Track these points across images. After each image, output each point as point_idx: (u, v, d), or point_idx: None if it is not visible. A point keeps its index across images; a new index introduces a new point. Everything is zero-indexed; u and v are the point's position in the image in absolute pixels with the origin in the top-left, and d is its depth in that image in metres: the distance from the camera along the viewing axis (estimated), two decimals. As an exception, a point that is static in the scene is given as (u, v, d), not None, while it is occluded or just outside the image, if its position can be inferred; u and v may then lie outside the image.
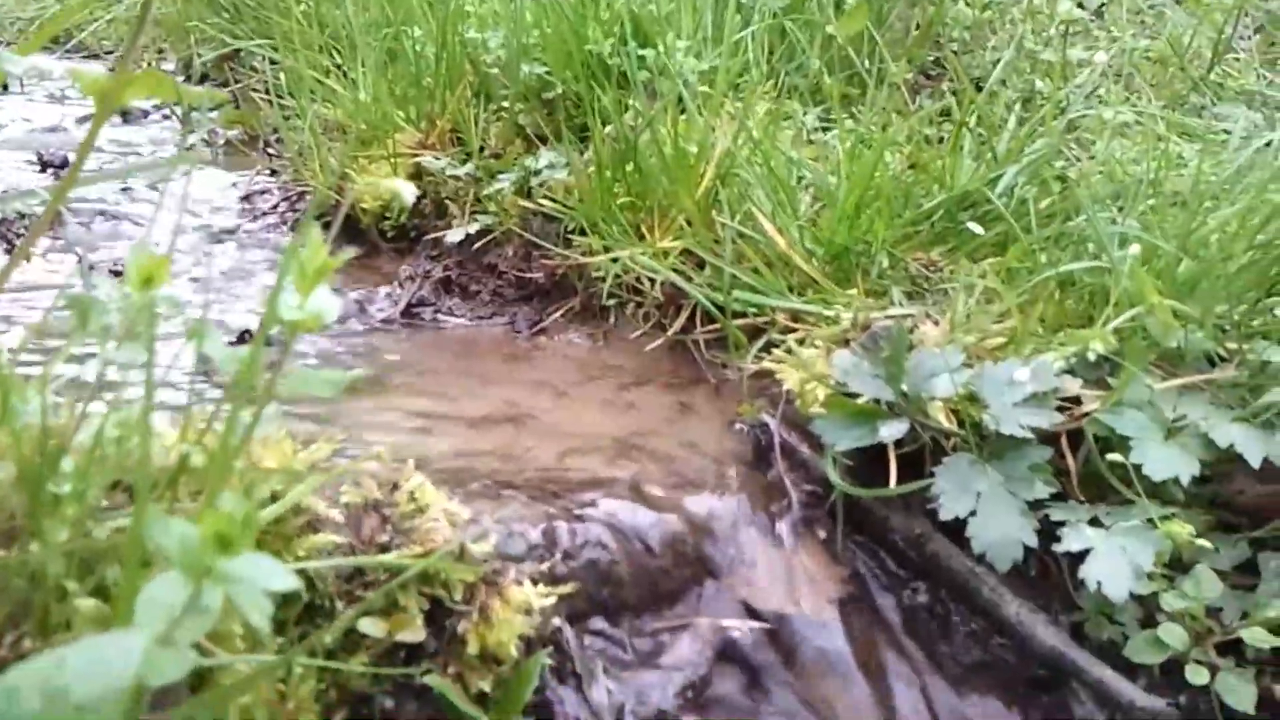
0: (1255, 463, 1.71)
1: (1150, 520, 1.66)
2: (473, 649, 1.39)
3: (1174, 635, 1.69)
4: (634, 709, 1.53)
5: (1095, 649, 1.69)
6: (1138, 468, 1.71)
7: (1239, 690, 1.65)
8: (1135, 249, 1.71)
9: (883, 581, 1.78)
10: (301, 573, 1.32)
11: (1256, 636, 1.69)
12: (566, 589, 1.50)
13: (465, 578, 1.41)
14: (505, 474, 1.75)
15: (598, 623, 1.63)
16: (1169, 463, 1.70)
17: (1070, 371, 1.90)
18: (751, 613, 1.68)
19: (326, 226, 2.87)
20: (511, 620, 1.44)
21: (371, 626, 1.34)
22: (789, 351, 1.96)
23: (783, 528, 1.80)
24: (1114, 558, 1.60)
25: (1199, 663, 1.68)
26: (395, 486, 1.45)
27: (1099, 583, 1.59)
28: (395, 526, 1.40)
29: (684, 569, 1.71)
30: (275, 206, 3.33)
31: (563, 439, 1.94)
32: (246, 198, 3.44)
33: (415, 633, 1.35)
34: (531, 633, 1.48)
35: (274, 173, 3.49)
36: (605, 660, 1.59)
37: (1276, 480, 1.95)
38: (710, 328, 2.24)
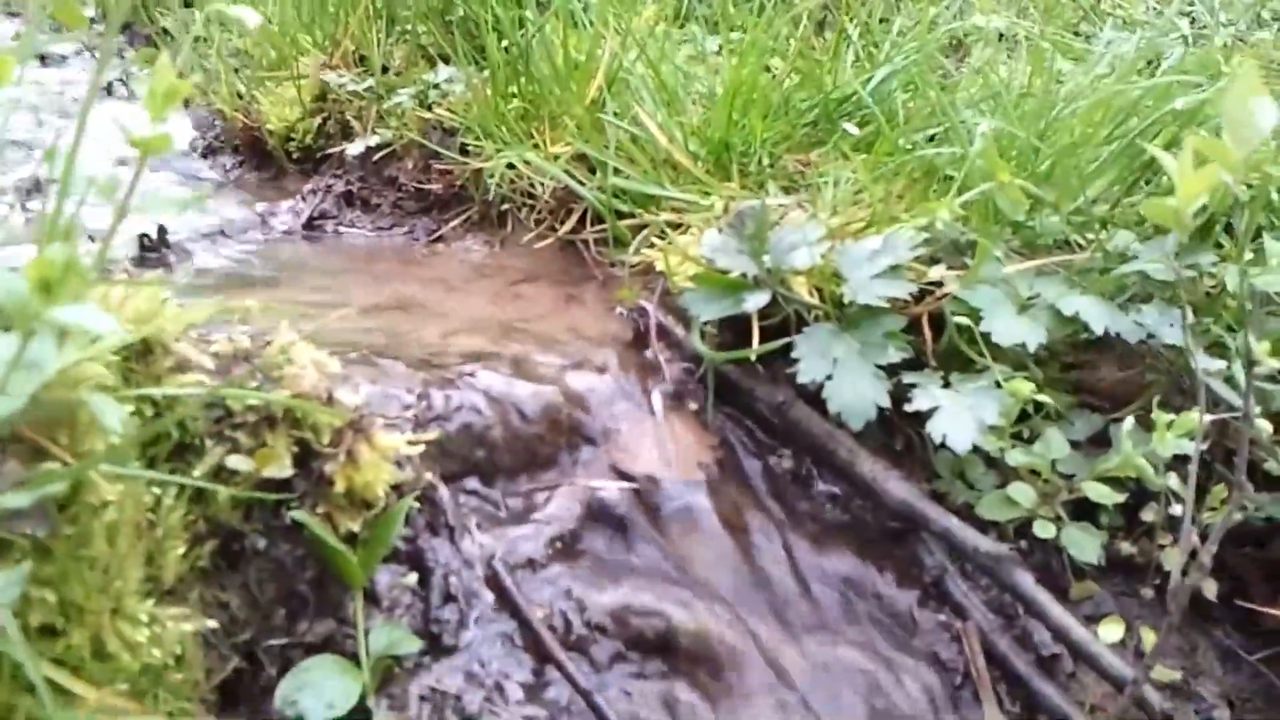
0: (1098, 330, 1.81)
1: (997, 383, 1.75)
2: (340, 489, 1.46)
3: (1023, 494, 1.79)
4: (504, 557, 1.60)
5: (950, 512, 1.79)
6: (986, 336, 1.80)
7: (1083, 543, 1.76)
8: (986, 126, 1.80)
9: (749, 448, 1.87)
10: (171, 412, 1.39)
11: (1099, 492, 1.79)
12: (433, 435, 1.58)
13: (333, 422, 1.47)
14: (386, 348, 1.81)
15: (472, 483, 1.70)
16: (1016, 330, 1.79)
17: (935, 259, 2.00)
18: (622, 476, 1.76)
19: (236, 151, 2.92)
20: (379, 465, 1.51)
21: (240, 463, 1.40)
22: (668, 241, 2.04)
23: (656, 401, 1.88)
24: (959, 413, 1.70)
25: (1046, 519, 1.78)
26: (266, 341, 1.51)
27: (944, 435, 1.68)
28: (265, 374, 1.46)
29: (558, 437, 1.79)
30: (188, 138, 3.36)
31: (448, 322, 2.00)
32: (157, 128, 3.45)
33: (281, 468, 1.42)
34: (401, 481, 1.55)
35: (185, 104, 3.51)
36: (478, 516, 1.66)
37: (1133, 365, 2.06)
38: (599, 228, 2.32)
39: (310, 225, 2.62)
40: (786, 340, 1.78)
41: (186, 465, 1.39)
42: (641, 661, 1.56)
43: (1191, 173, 1.30)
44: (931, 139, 2.22)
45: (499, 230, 2.51)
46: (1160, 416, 1.68)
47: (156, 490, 1.35)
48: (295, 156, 2.96)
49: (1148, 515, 1.85)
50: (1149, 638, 1.63)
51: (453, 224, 2.54)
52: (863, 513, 1.82)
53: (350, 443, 1.49)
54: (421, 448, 1.57)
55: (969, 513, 1.82)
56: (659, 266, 2.02)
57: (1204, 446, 1.67)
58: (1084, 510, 1.87)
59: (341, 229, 2.63)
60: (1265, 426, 1.70)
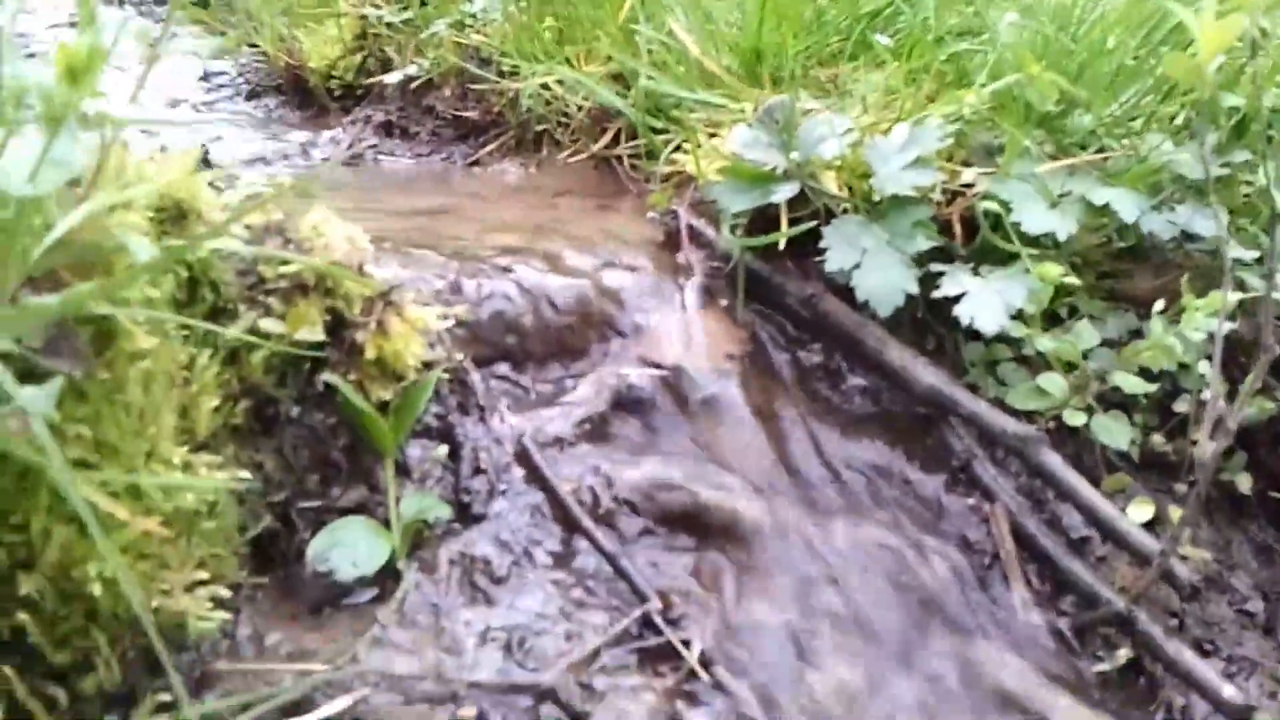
0: (1129, 218, 1.80)
1: (1026, 270, 1.75)
2: (370, 356, 1.49)
3: (1054, 384, 1.79)
4: (533, 435, 1.62)
5: (981, 404, 1.79)
6: (1017, 226, 1.80)
7: (1115, 430, 1.75)
8: (1012, 16, 1.80)
9: (778, 342, 1.88)
10: (206, 276, 1.42)
11: (1131, 383, 1.78)
12: (461, 310, 1.60)
13: (364, 292, 1.50)
14: (421, 241, 1.84)
15: (503, 369, 1.72)
16: (1047, 221, 1.79)
17: (968, 164, 2.00)
18: (652, 366, 1.77)
19: (279, 91, 2.96)
20: (409, 336, 1.54)
21: (272, 325, 1.43)
22: (699, 146, 2.05)
23: (686, 297, 1.90)
24: (987, 297, 1.70)
25: (1077, 409, 1.77)
26: (298, 215, 1.54)
27: (971, 318, 1.69)
28: (297, 246, 1.49)
29: (589, 329, 1.81)
30: (231, 80, 3.41)
31: (485, 224, 2.03)
32: (204, 76, 3.52)
33: (314, 332, 1.45)
34: (432, 360, 1.58)
35: (232, 50, 3.57)
36: (508, 399, 1.69)
37: (1168, 273, 2.05)
38: (633, 144, 2.33)
39: (351, 154, 2.65)
40: (815, 230, 1.78)
41: (221, 328, 1.42)
42: (669, 535, 1.58)
43: (1213, 25, 1.29)
44: (963, 41, 2.21)
45: (535, 154, 2.54)
46: (1190, 299, 1.67)
47: (192, 350, 1.39)
48: (337, 94, 3.01)
49: (1180, 407, 1.84)
50: (1177, 516, 1.62)
51: (489, 148, 2.57)
52: (891, 404, 1.83)
53: (381, 313, 1.52)
54: (451, 323, 1.60)
55: (999, 406, 1.82)
56: (691, 172, 2.03)
57: (1233, 325, 1.66)
58: (1117, 408, 1.86)
59: (381, 157, 2.67)
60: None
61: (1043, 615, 1.61)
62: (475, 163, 2.55)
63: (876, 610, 1.58)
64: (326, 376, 1.46)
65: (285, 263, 1.45)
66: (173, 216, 1.41)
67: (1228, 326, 1.65)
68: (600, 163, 2.38)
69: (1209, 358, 1.67)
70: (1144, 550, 1.56)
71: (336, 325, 1.50)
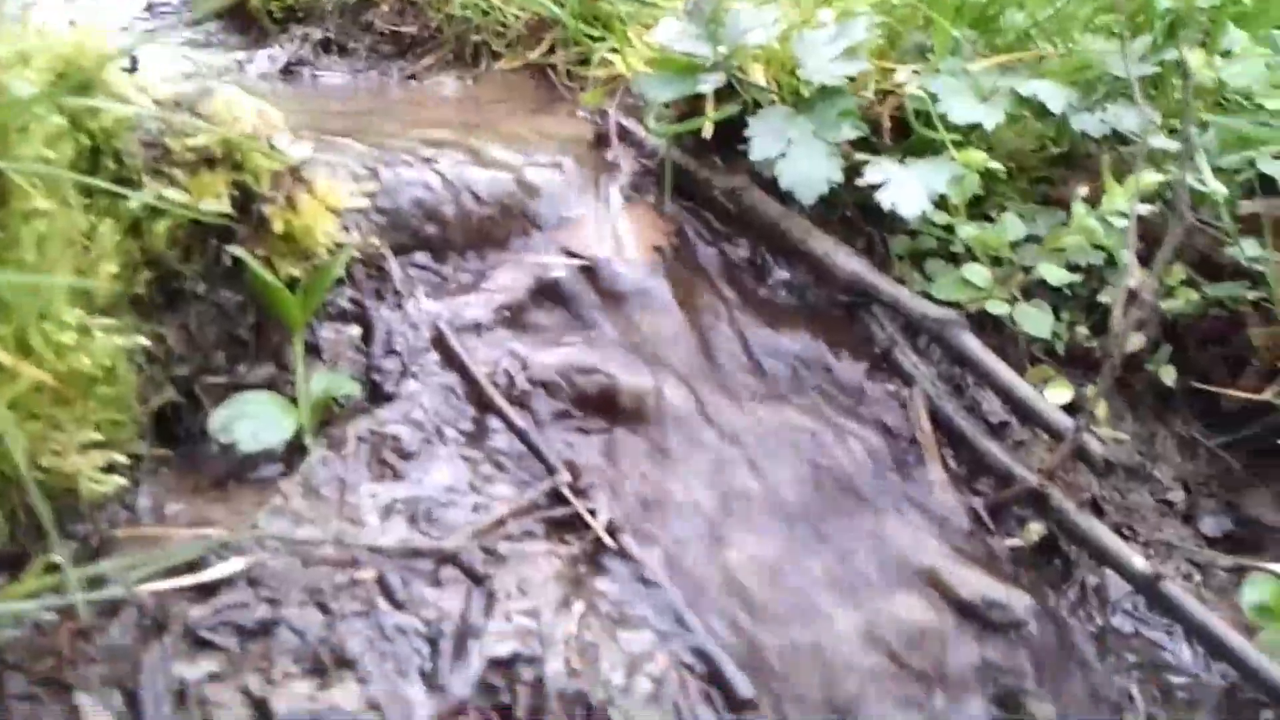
0: (1056, 109, 1.79)
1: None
2: (278, 230, 1.47)
3: (978, 274, 1.79)
4: (449, 320, 1.61)
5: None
6: (944, 116, 1.79)
7: (1036, 319, 1.75)
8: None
9: (705, 237, 1.87)
10: (109, 146, 1.40)
11: (1055, 274, 1.78)
12: (373, 187, 1.59)
13: (273, 167, 1.48)
14: (343, 132, 1.82)
15: (422, 258, 1.71)
16: (974, 111, 1.78)
17: (900, 64, 1.98)
18: (574, 257, 1.76)
19: (219, 17, 2.90)
20: (320, 214, 1.52)
21: (176, 195, 1.41)
22: (630, 45, 2.03)
23: (612, 193, 1.88)
24: (909, 182, 1.69)
25: (1001, 299, 1.77)
26: (209, 92, 1.51)
27: (893, 204, 1.68)
28: (206, 121, 1.46)
29: (512, 221, 1.79)
30: (175, 8, 3.36)
31: (413, 122, 2.01)
32: (149, 7, 3.47)
33: (220, 203, 1.43)
34: (347, 244, 1.56)
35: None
36: (427, 287, 1.67)
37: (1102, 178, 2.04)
38: (570, 51, 2.31)
39: (287, 70, 2.62)
40: (742, 127, 1.77)
41: (124, 199, 1.40)
42: (585, 418, 1.57)
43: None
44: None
45: (473, 67, 2.52)
46: (1110, 183, 1.66)
47: (92, 218, 1.37)
48: (277, 16, 2.96)
49: (1106, 298, 1.83)
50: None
51: (426, 62, 2.54)
52: (816, 297, 1.82)
53: (290, 188, 1.50)
54: (364, 203, 1.58)
55: (924, 298, 1.81)
56: (618, 66, 2.01)
57: (1152, 207, 1.66)
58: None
59: (318, 73, 2.64)
60: (1219, 190, 1.68)
61: (958, 495, 1.61)
62: (412, 76, 2.52)
63: (792, 490, 1.57)
64: (232, 249, 1.44)
65: (192, 135, 1.43)
66: (77, 85, 1.39)
67: (1148, 208, 1.65)
68: (537, 73, 2.36)
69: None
70: (1058, 428, 1.56)
71: (245, 201, 1.48)
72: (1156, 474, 1.81)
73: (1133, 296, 1.43)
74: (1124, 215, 1.62)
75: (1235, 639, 1.42)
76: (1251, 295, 1.81)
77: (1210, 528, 1.79)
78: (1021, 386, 1.60)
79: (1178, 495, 1.80)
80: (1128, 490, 1.77)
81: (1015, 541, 1.56)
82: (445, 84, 2.48)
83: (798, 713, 1.36)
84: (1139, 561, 1.46)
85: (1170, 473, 1.82)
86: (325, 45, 2.69)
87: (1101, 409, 1.56)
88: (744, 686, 1.30)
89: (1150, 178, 1.62)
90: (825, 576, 1.50)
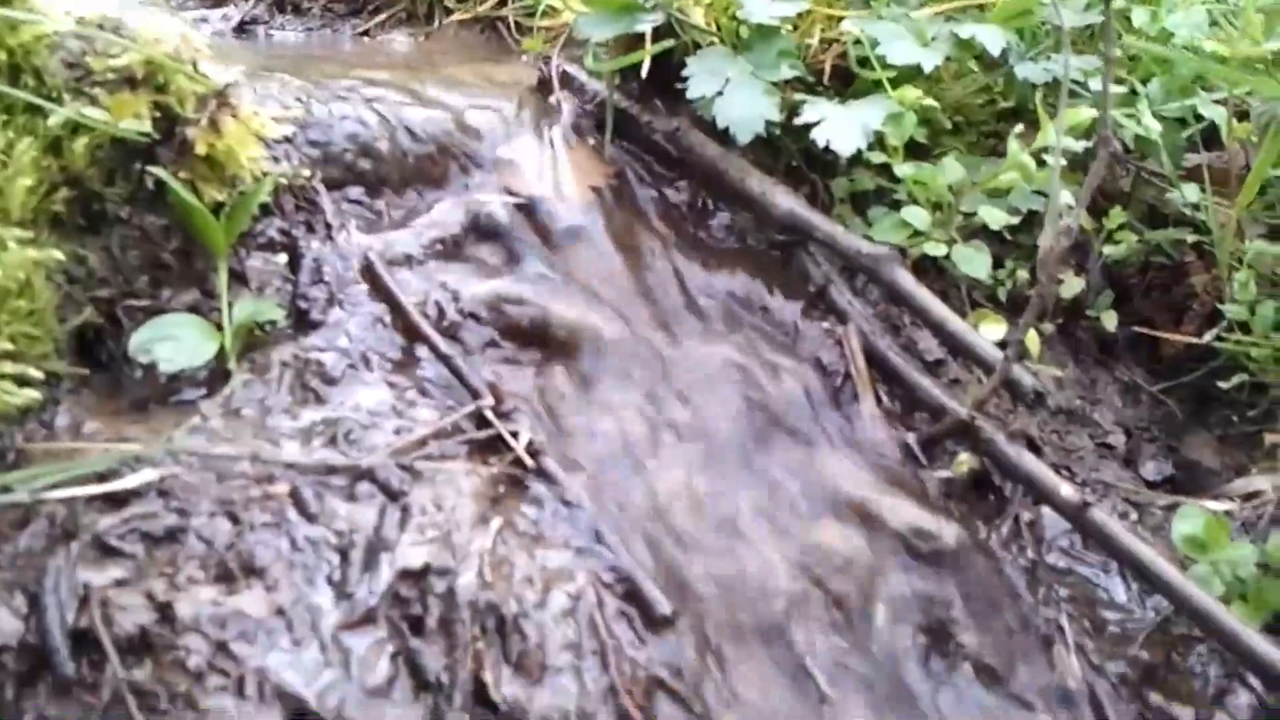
0: (995, 51, 1.79)
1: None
2: (201, 152, 1.45)
3: (916, 216, 1.78)
4: (380, 251, 1.59)
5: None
6: (883, 59, 1.79)
7: (974, 259, 1.75)
8: None
9: (645, 179, 1.86)
10: (29, 64, 1.39)
11: (993, 216, 1.78)
12: (298, 112, 1.57)
13: (196, 89, 1.47)
14: (281, 69, 1.81)
15: (355, 192, 1.70)
16: (914, 53, 1.78)
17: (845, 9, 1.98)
18: (512, 195, 1.75)
19: (180, -19, 2.84)
20: (244, 137, 1.51)
21: (96, 114, 1.40)
22: (576, -6, 2.03)
23: (553, 135, 1.87)
24: (845, 120, 1.69)
25: (939, 240, 1.77)
26: (132, 11, 1.50)
27: (828, 140, 1.67)
28: (129, 40, 1.45)
29: (449, 160, 1.78)
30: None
31: (355, 64, 2.00)
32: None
33: (141, 123, 1.41)
34: (276, 170, 1.55)
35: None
36: (360, 221, 1.66)
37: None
38: (520, 5, 2.31)
39: (241, 28, 2.61)
40: (683, 70, 1.76)
41: (43, 117, 1.38)
42: (516, 349, 1.56)
43: None
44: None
45: (425, 25, 2.51)
46: (1043, 117, 1.66)
47: (10, 134, 1.35)
48: (237, -18, 2.95)
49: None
50: (1034, 343, 1.61)
51: (379, 19, 2.53)
52: (755, 239, 1.82)
53: (214, 111, 1.48)
54: (291, 129, 1.57)
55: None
56: (568, 21, 2.01)
57: (1086, 143, 1.66)
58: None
59: (272, 31, 2.63)
60: (1154, 126, 1.68)
61: (891, 430, 1.61)
62: (365, 33, 2.52)
63: (723, 423, 1.57)
64: (153, 170, 1.42)
65: (115, 55, 1.42)
66: (-7, 2, 1.37)
67: (1082, 144, 1.65)
68: (488, 26, 2.36)
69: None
70: (989, 359, 1.55)
71: (168, 124, 1.46)
72: (1097, 418, 1.81)
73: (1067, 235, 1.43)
74: (1063, 154, 1.61)
75: (1163, 565, 1.41)
76: (1192, 238, 1.81)
77: (1151, 472, 1.78)
78: (954, 321, 1.59)
79: (1118, 439, 1.79)
80: (1067, 433, 1.77)
81: (946, 474, 1.55)
82: (397, 40, 2.47)
83: (721, 636, 1.35)
84: (1067, 490, 1.46)
85: (1111, 417, 1.82)
86: (279, 4, 2.68)
87: (1034, 343, 1.55)
88: (662, 604, 1.29)
89: (1083, 113, 1.62)
90: (753, 506, 1.49)
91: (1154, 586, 1.45)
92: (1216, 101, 1.85)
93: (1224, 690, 1.52)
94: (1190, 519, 1.50)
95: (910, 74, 1.81)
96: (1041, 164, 1.70)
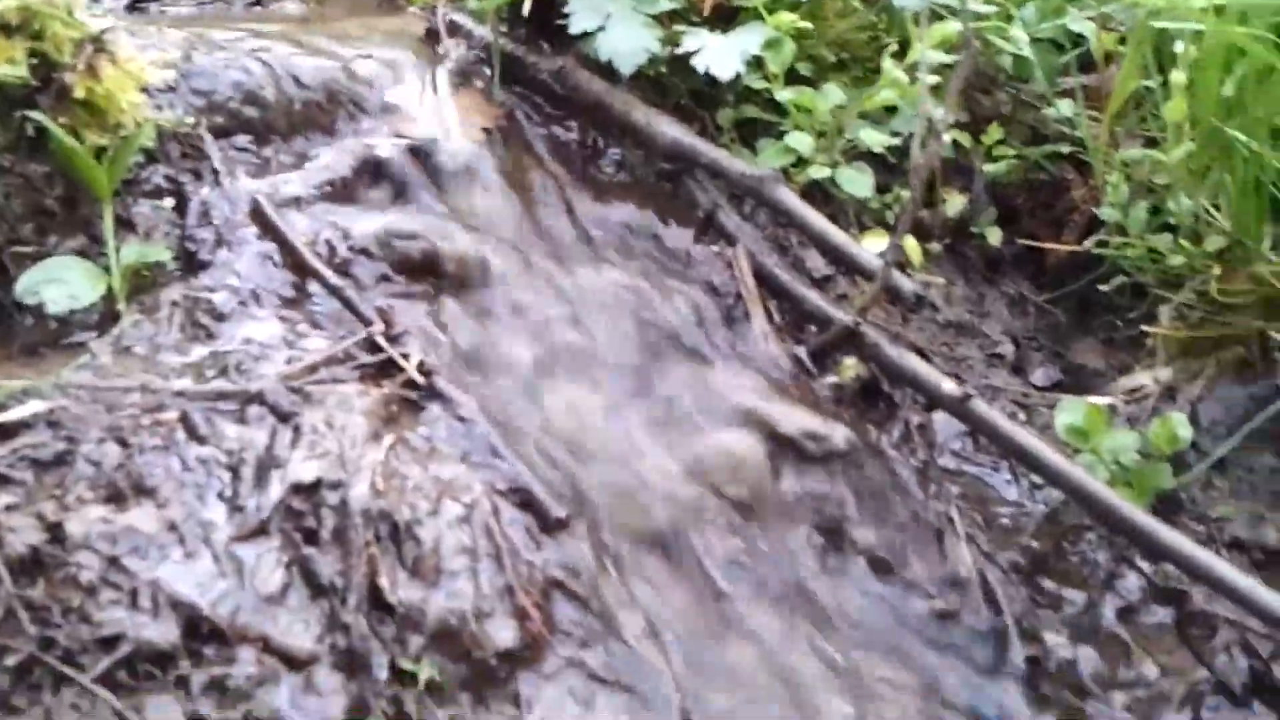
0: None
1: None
2: (79, 96, 1.46)
3: (800, 141, 1.82)
4: (268, 193, 1.60)
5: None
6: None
7: (857, 180, 1.80)
8: None
9: (535, 120, 1.88)
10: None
11: (872, 138, 1.82)
12: (181, 61, 1.58)
13: (73, 35, 1.47)
14: (163, 22, 1.81)
15: (243, 140, 1.70)
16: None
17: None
18: (402, 139, 1.76)
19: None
20: (123, 82, 1.52)
21: (-33, 63, 1.40)
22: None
23: (441, 80, 1.89)
24: (723, 47, 1.72)
25: (823, 164, 1.81)
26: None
27: (707, 67, 1.71)
28: (-1, -11, 1.45)
29: (337, 107, 1.80)
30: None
31: (242, 24, 2.01)
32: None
33: (17, 69, 1.42)
34: (159, 117, 1.56)
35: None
36: (248, 168, 1.67)
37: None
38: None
39: (134, 6, 2.59)
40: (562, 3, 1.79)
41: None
42: (407, 283, 1.58)
43: None
44: None
45: (322, -7, 2.51)
46: (914, 33, 1.71)
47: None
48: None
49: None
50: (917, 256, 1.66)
51: (272, -10, 2.53)
52: (644, 172, 1.85)
53: (91, 57, 1.49)
54: (173, 75, 1.58)
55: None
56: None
57: (957, 57, 1.71)
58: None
59: (165, 8, 2.61)
60: (1021, 37, 1.73)
61: (781, 345, 1.65)
62: (257, 3, 2.51)
63: (617, 344, 1.60)
64: (35, 115, 1.43)
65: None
66: None
67: (952, 57, 1.69)
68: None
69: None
70: (871, 269, 1.60)
71: (46, 71, 1.47)
72: (985, 329, 1.86)
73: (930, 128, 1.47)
74: (931, 68, 1.65)
75: (1045, 450, 1.47)
76: (1068, 150, 1.87)
77: (1040, 378, 1.84)
78: (836, 234, 1.64)
79: (1007, 348, 1.85)
80: (957, 344, 1.82)
81: (833, 379, 1.59)
82: (290, 7, 2.47)
83: (618, 541, 1.38)
84: (948, 385, 1.50)
85: (999, 328, 1.87)
86: (172, -19, 2.67)
87: (914, 251, 1.60)
88: (556, 508, 1.32)
89: (950, 27, 1.67)
90: (647, 420, 1.52)
91: (1037, 471, 1.50)
92: (1088, 18, 1.91)
93: (1114, 574, 1.57)
94: (1071, 410, 1.55)
95: (790, 4, 1.84)
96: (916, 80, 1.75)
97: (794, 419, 1.54)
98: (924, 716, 1.34)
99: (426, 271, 1.59)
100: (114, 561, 1.12)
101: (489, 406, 1.43)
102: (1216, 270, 1.65)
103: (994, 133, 1.88)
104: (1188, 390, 1.71)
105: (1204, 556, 1.36)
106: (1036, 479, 1.62)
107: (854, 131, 1.84)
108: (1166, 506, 1.59)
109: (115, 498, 1.17)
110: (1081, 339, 1.88)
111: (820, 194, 1.87)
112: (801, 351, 1.64)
